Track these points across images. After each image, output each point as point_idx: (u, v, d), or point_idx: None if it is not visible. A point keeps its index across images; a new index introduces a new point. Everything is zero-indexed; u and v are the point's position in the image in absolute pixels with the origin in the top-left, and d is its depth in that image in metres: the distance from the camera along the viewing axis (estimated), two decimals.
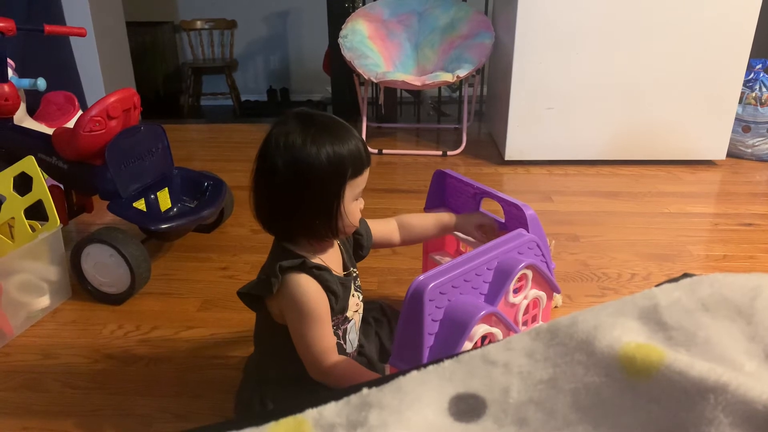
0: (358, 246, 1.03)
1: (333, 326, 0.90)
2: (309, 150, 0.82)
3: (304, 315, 0.85)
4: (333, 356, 0.87)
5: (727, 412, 0.40)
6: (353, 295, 0.95)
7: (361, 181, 0.88)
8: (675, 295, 0.53)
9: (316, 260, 0.89)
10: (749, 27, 2.18)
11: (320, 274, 0.87)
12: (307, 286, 0.85)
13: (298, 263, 0.86)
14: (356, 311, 0.96)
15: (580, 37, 2.22)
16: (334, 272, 0.91)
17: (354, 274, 0.98)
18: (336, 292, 0.88)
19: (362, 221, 1.03)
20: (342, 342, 0.93)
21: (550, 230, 1.72)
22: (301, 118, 0.85)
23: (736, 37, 2.19)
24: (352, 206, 0.88)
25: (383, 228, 1.09)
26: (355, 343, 0.98)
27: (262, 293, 0.87)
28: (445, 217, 1.14)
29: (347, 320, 0.93)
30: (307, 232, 0.88)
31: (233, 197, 1.78)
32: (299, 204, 0.85)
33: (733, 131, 2.40)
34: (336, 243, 0.96)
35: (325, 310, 0.87)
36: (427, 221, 1.13)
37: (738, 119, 2.41)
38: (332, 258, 0.93)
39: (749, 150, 2.46)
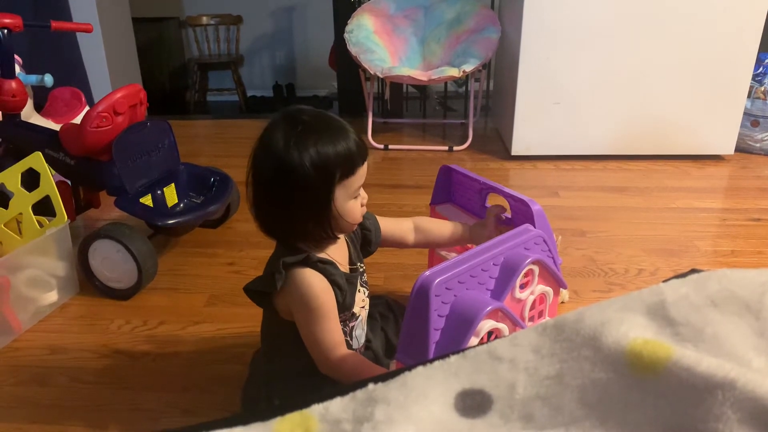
0: (366, 241, 1.02)
1: (342, 321, 0.90)
2: (292, 154, 0.79)
3: (310, 310, 0.85)
4: (342, 350, 0.87)
5: (735, 409, 0.40)
6: (359, 291, 0.95)
7: (355, 180, 0.85)
8: (682, 290, 0.53)
9: (322, 255, 0.89)
10: (758, 21, 2.16)
11: (324, 267, 0.86)
12: (312, 281, 0.84)
13: (301, 258, 0.85)
14: (363, 307, 0.96)
15: (587, 32, 2.21)
16: (339, 267, 0.90)
17: (360, 270, 0.97)
18: (341, 286, 0.88)
19: (372, 217, 1.02)
20: (348, 339, 0.93)
21: (557, 225, 1.72)
22: (289, 119, 0.83)
23: (744, 31, 2.18)
24: (349, 205, 0.86)
25: (395, 227, 1.08)
26: (362, 339, 0.97)
27: (267, 289, 0.87)
28: (460, 229, 1.12)
29: (354, 316, 0.93)
30: (302, 237, 0.87)
31: (239, 193, 1.78)
32: (289, 209, 0.83)
33: (742, 126, 2.38)
34: (343, 237, 0.95)
35: (331, 305, 0.86)
36: (444, 229, 1.11)
37: (746, 114, 2.39)
38: (338, 253, 0.93)
39: (758, 145, 2.45)
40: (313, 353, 0.88)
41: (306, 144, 0.80)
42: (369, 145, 2.63)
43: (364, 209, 0.91)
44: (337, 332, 0.87)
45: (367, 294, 0.98)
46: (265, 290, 0.88)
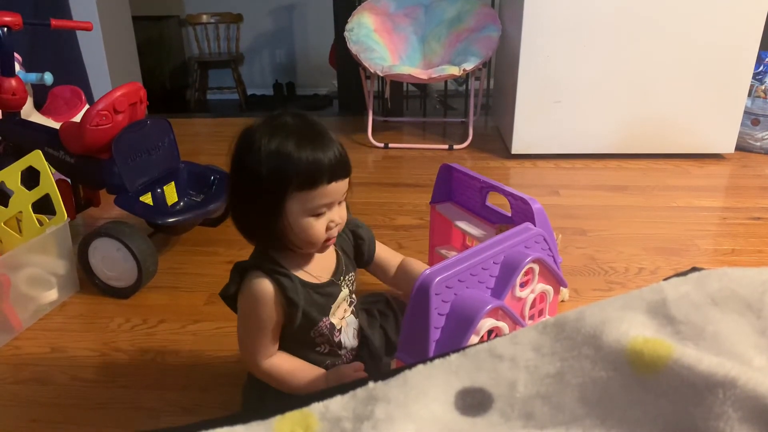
0: (359, 252, 0.96)
1: (319, 335, 0.88)
2: (254, 149, 0.76)
3: (247, 319, 0.84)
4: (269, 362, 0.87)
5: (736, 407, 0.40)
6: (345, 300, 0.91)
7: (315, 196, 0.77)
8: (683, 289, 0.53)
9: (288, 263, 0.84)
10: (759, 19, 2.16)
11: (278, 278, 0.82)
12: (256, 291, 0.82)
13: (252, 264, 0.83)
14: (343, 318, 0.92)
15: (588, 30, 2.20)
16: (311, 278, 0.86)
17: (349, 280, 0.92)
18: (294, 301, 0.82)
19: (365, 227, 0.97)
20: (337, 348, 0.91)
21: (557, 224, 1.72)
22: (274, 116, 0.79)
23: (745, 30, 2.17)
24: (304, 222, 0.78)
25: (386, 254, 1.01)
26: (351, 343, 0.94)
27: (226, 294, 0.87)
28: None
29: (334, 328, 0.90)
30: (260, 238, 0.85)
31: None
32: (244, 204, 0.81)
33: (742, 124, 2.38)
34: (332, 247, 0.90)
35: (267, 319, 0.83)
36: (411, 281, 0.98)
37: (747, 112, 2.39)
38: (317, 263, 0.88)
39: (758, 143, 2.45)
40: (242, 353, 0.88)
41: (270, 140, 0.76)
42: (369, 143, 2.63)
43: (334, 232, 0.82)
44: (268, 345, 0.86)
45: (350, 303, 0.93)
46: (225, 295, 0.88)
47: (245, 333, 0.86)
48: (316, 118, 0.81)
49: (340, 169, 0.78)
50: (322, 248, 0.85)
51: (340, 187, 0.79)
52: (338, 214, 0.82)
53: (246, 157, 0.77)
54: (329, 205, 0.80)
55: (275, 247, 0.84)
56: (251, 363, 0.87)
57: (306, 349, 0.89)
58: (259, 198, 0.78)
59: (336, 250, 0.92)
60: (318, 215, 0.79)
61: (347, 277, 0.92)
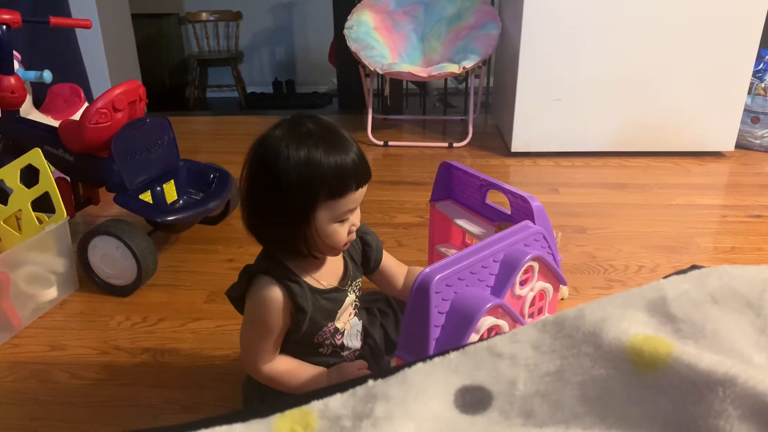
0: (366, 259, 0.96)
1: (323, 339, 0.88)
2: (281, 158, 0.74)
3: (254, 323, 0.84)
4: (271, 366, 0.86)
5: (736, 405, 0.40)
6: (351, 305, 0.91)
7: (343, 203, 0.78)
8: (683, 287, 0.53)
9: (298, 269, 0.84)
10: (759, 17, 2.16)
11: (288, 284, 0.81)
12: (266, 296, 0.81)
13: (264, 268, 0.83)
14: (347, 321, 0.92)
15: (588, 28, 2.20)
16: (319, 285, 0.86)
17: (356, 285, 0.92)
18: (303, 308, 0.82)
19: (373, 234, 0.97)
20: (340, 350, 0.91)
21: (557, 222, 1.72)
22: (293, 121, 0.78)
23: (745, 27, 2.17)
24: (330, 228, 0.79)
25: (393, 264, 1.00)
26: (355, 344, 0.94)
27: (232, 294, 0.87)
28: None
29: (338, 331, 0.90)
30: (278, 245, 0.84)
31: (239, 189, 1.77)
32: (268, 214, 0.80)
33: (742, 122, 2.38)
34: (341, 254, 0.90)
35: (275, 325, 0.83)
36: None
37: (747, 110, 2.39)
38: (326, 269, 0.88)
39: (758, 141, 2.44)
40: (243, 357, 0.88)
41: (300, 152, 0.74)
42: (369, 141, 2.63)
43: (353, 235, 0.84)
44: (270, 350, 0.86)
45: (354, 307, 0.93)
46: (231, 295, 0.87)
47: (249, 337, 0.86)
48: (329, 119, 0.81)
49: (363, 174, 0.79)
50: (339, 251, 0.86)
51: (364, 191, 0.81)
52: (357, 217, 0.83)
53: (272, 168, 0.75)
54: (353, 210, 0.81)
55: (290, 252, 0.84)
56: (252, 367, 0.87)
57: (309, 352, 0.89)
58: (288, 208, 0.77)
59: (344, 257, 0.92)
60: (343, 221, 0.80)
61: (354, 283, 0.92)
